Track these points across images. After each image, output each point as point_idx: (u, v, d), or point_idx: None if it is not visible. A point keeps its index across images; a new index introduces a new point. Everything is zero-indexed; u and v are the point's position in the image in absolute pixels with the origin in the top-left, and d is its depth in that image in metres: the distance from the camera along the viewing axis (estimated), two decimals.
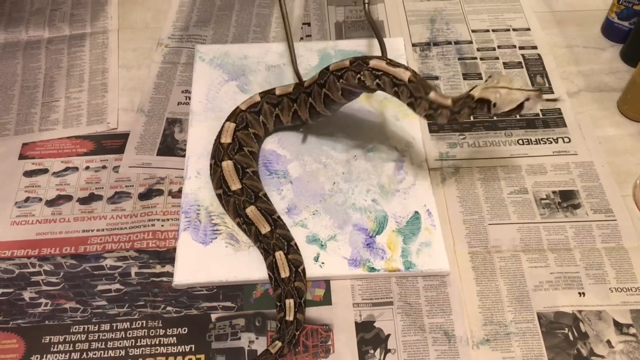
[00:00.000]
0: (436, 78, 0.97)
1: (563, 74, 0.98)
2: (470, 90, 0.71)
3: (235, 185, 0.78)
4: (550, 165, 0.87)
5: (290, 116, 0.86)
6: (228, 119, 0.84)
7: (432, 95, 0.72)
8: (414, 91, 0.73)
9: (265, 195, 0.80)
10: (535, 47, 1.02)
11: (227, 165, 0.80)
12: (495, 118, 0.91)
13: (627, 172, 0.86)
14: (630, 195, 0.84)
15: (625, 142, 0.90)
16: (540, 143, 0.90)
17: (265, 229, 0.75)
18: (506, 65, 0.99)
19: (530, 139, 0.90)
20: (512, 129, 0.91)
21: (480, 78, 0.97)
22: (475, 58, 1.00)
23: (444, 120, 0.73)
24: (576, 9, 1.08)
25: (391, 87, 0.74)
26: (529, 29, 1.04)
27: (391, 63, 0.74)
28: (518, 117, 0.92)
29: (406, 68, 0.74)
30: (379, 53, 0.90)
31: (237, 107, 0.86)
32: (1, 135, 0.91)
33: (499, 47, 1.02)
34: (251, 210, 0.76)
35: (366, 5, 0.91)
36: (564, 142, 0.90)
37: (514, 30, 1.04)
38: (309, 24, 1.06)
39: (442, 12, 1.07)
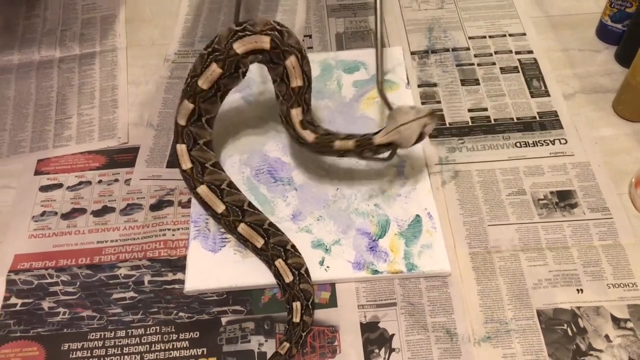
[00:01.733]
0: (435, 85, 1.00)
1: (559, 76, 1.00)
2: (374, 134, 0.76)
3: (219, 208, 0.80)
4: (547, 166, 0.89)
5: (241, 79, 0.81)
6: (176, 140, 0.82)
7: (336, 144, 0.77)
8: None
9: (250, 204, 0.81)
10: (531, 52, 1.04)
11: (203, 190, 0.80)
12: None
13: (623, 171, 0.88)
14: (626, 194, 0.86)
15: (620, 141, 0.92)
16: (537, 145, 0.92)
17: (259, 242, 0.77)
18: (503, 70, 1.02)
19: (528, 142, 0.92)
20: (509, 132, 0.94)
21: (478, 84, 1.00)
22: (473, 64, 1.03)
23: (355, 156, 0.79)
24: (571, 13, 1.10)
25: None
26: (524, 34, 1.07)
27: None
28: (515, 120, 0.95)
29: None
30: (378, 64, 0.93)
31: (177, 123, 0.81)
32: (17, 153, 0.95)
33: (495, 52, 1.04)
34: (242, 228, 0.78)
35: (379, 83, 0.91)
36: (560, 143, 0.92)
37: (510, 35, 1.07)
38: (310, 36, 1.09)
39: (440, 20, 1.10)
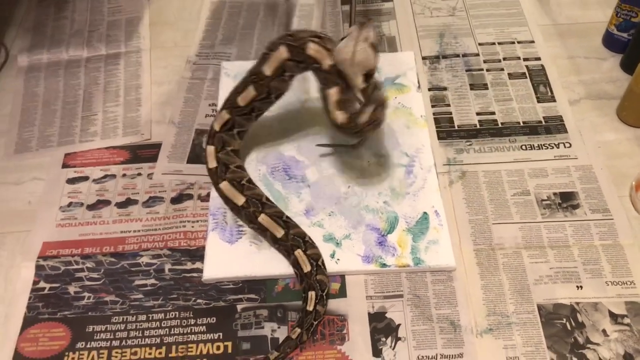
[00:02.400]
0: (445, 89, 1.04)
1: (565, 83, 1.04)
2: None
3: (240, 201, 0.84)
4: (551, 168, 0.93)
5: (275, 99, 0.88)
6: (208, 142, 0.88)
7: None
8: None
9: (267, 198, 0.86)
10: (538, 59, 1.08)
11: (224, 186, 0.85)
12: None
13: (624, 174, 0.92)
14: (627, 196, 0.90)
15: (623, 146, 0.95)
16: (542, 148, 0.96)
17: (279, 232, 0.82)
18: (511, 75, 1.05)
19: (533, 145, 0.96)
20: (516, 135, 0.97)
21: (487, 88, 1.04)
22: (482, 69, 1.07)
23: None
24: (578, 21, 1.14)
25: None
26: (533, 42, 1.11)
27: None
28: (522, 123, 0.98)
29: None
30: (390, 67, 0.97)
31: (212, 128, 0.88)
32: (46, 147, 1.00)
33: (504, 59, 1.08)
34: (263, 218, 0.83)
35: None
36: (565, 147, 0.96)
37: (519, 42, 1.11)
38: None
39: (451, 26, 1.14)
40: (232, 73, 1.05)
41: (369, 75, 0.79)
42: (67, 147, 1.00)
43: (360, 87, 0.78)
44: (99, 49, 1.14)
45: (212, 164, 0.87)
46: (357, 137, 0.88)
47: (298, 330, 0.75)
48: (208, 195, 0.91)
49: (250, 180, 0.88)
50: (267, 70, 0.82)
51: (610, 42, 1.08)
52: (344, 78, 0.79)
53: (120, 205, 0.92)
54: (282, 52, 0.81)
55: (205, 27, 1.16)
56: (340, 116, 0.80)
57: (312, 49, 0.80)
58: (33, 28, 1.18)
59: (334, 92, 0.81)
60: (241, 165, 0.90)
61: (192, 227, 0.89)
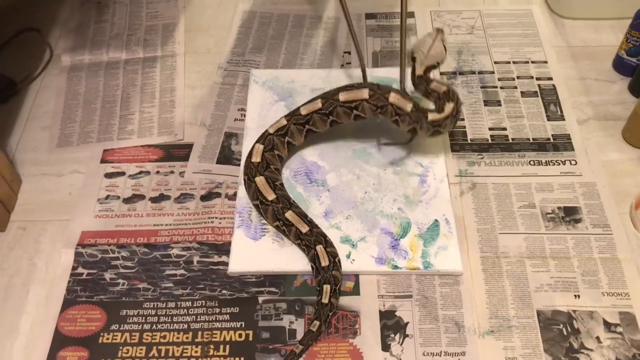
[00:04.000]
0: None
1: (574, 103, 1.10)
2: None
3: (270, 196, 0.92)
4: (557, 184, 0.99)
5: (327, 126, 0.98)
6: (258, 141, 0.97)
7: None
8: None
9: (293, 201, 0.94)
10: (550, 79, 1.14)
11: (260, 180, 0.93)
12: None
13: (625, 193, 0.97)
14: (627, 213, 0.95)
15: (626, 166, 1.01)
16: (549, 164, 1.02)
17: (305, 228, 0.89)
18: (523, 94, 1.11)
19: (541, 161, 1.02)
20: (525, 151, 1.03)
21: (500, 105, 1.10)
22: (496, 87, 1.13)
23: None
24: (590, 44, 1.19)
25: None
26: (546, 62, 1.16)
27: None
28: (531, 140, 1.04)
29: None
30: (410, 81, 1.04)
31: (266, 130, 0.97)
32: (86, 142, 1.08)
33: (517, 77, 1.14)
34: (290, 214, 0.90)
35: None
36: (571, 164, 1.02)
37: (533, 62, 1.17)
38: (349, 53, 1.20)
39: (469, 44, 1.20)
40: (260, 80, 1.12)
41: (434, 67, 0.96)
42: (105, 143, 1.07)
43: (418, 74, 0.96)
44: (137, 52, 1.21)
45: (257, 159, 0.95)
46: (433, 132, 0.94)
47: (317, 323, 0.82)
48: (235, 194, 0.99)
49: (282, 184, 0.96)
50: (342, 97, 0.94)
51: (620, 65, 1.13)
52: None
53: (153, 200, 1.00)
54: (364, 93, 0.94)
55: (237, 36, 1.23)
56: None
57: (393, 96, 0.92)
58: (76, 29, 1.26)
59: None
60: (279, 170, 0.98)
61: (220, 223, 0.96)
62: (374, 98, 0.93)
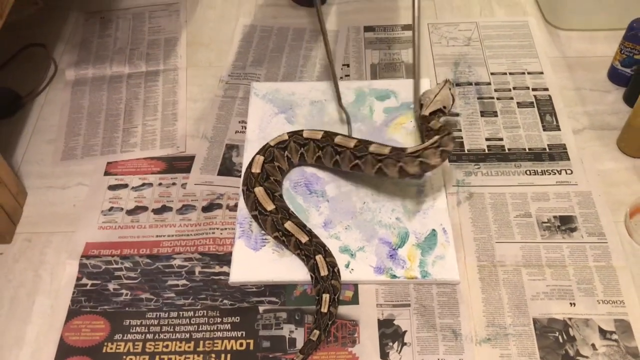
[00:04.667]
0: (457, 115, 1.12)
1: (570, 113, 1.12)
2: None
3: (270, 206, 0.93)
4: (553, 193, 1.01)
5: (313, 159, 1.01)
6: (258, 153, 1.00)
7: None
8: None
9: (292, 211, 0.96)
10: (546, 89, 1.15)
11: (259, 190, 0.95)
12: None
13: (620, 201, 0.99)
14: (622, 222, 0.97)
15: (621, 175, 1.03)
16: (545, 174, 1.03)
17: (304, 238, 0.91)
18: (519, 104, 1.13)
19: (537, 170, 1.04)
20: (521, 161, 1.05)
21: (496, 115, 1.12)
22: (492, 98, 1.15)
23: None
24: (586, 55, 1.21)
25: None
26: (542, 73, 1.18)
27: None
28: (527, 150, 1.06)
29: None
30: (407, 93, 1.06)
31: (267, 143, 1.01)
32: (90, 155, 1.10)
33: (514, 88, 1.16)
34: (289, 225, 0.92)
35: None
36: (566, 173, 1.03)
37: (529, 73, 1.19)
38: (348, 65, 1.22)
39: (466, 56, 1.22)
40: (260, 93, 1.15)
41: (442, 111, 1.00)
42: (109, 156, 1.10)
43: (424, 113, 1.00)
44: (140, 66, 1.24)
45: (257, 169, 0.97)
46: (421, 164, 0.92)
47: (317, 332, 0.84)
48: (236, 205, 1.00)
49: (281, 196, 0.98)
50: (336, 139, 0.98)
51: (614, 76, 1.15)
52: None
53: (156, 211, 1.02)
54: (351, 142, 0.97)
55: (238, 49, 1.26)
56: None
57: (373, 147, 0.95)
58: (80, 44, 1.28)
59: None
60: (279, 182, 1.00)
61: (221, 234, 0.98)
62: (357, 149, 0.95)
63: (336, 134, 0.99)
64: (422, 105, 1.02)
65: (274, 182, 0.98)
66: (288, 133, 1.01)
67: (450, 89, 1.02)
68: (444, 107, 1.01)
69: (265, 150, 1.00)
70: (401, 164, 0.90)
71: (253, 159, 0.99)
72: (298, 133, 1.01)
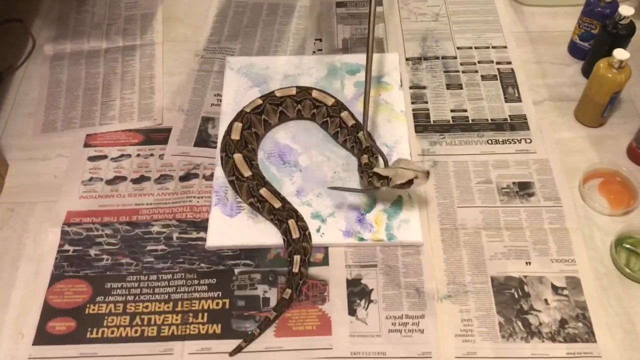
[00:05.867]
0: (424, 87, 1.17)
1: (531, 85, 1.17)
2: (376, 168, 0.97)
3: (247, 173, 0.98)
4: (512, 161, 1.06)
5: (294, 113, 1.08)
6: (235, 120, 1.04)
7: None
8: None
9: (267, 180, 1.00)
10: (509, 63, 1.21)
11: (238, 157, 1.00)
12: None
13: (576, 168, 1.05)
14: (577, 187, 1.03)
15: (577, 143, 1.09)
16: (506, 143, 1.09)
17: (278, 204, 0.95)
18: (484, 77, 1.18)
19: (498, 139, 1.09)
20: (484, 131, 1.11)
21: (461, 88, 1.17)
22: (458, 71, 1.20)
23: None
24: (548, 30, 1.26)
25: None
26: (505, 47, 1.23)
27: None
28: (490, 121, 1.12)
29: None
30: (377, 67, 1.10)
31: (242, 109, 1.06)
32: (69, 128, 1.13)
33: (479, 62, 1.21)
34: (264, 191, 0.97)
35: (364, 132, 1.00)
36: (526, 142, 1.09)
37: (493, 47, 1.24)
38: (320, 40, 1.26)
39: (433, 31, 1.27)
40: (235, 67, 1.18)
41: (385, 178, 0.93)
42: (88, 128, 1.13)
43: (374, 171, 0.95)
44: (117, 41, 1.26)
45: (236, 136, 1.02)
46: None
47: (289, 291, 0.89)
48: (212, 175, 1.05)
49: (258, 164, 1.03)
50: (314, 93, 1.07)
51: (574, 50, 1.21)
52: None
53: (134, 181, 1.06)
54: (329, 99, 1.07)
55: (213, 24, 1.29)
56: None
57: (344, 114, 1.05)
58: (57, 20, 1.30)
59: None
60: (255, 150, 1.05)
61: (198, 202, 1.02)
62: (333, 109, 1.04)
63: (311, 89, 1.06)
64: (384, 162, 0.99)
65: (251, 150, 1.03)
66: (260, 97, 1.06)
67: (415, 178, 0.91)
68: (389, 179, 0.92)
69: (242, 116, 1.04)
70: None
71: (231, 125, 1.03)
72: (270, 95, 1.06)
